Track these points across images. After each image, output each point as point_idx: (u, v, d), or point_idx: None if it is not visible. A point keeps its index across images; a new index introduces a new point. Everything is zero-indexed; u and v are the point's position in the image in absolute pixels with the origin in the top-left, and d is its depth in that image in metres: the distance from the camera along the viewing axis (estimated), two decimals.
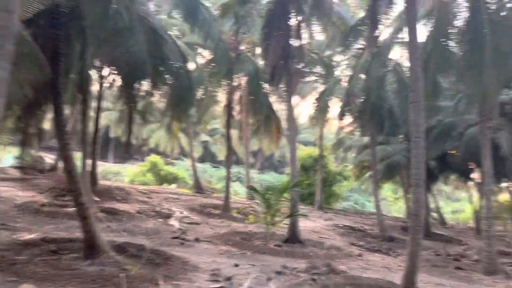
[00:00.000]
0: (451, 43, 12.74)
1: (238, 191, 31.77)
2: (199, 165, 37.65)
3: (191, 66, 18.96)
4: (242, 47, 18.88)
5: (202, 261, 9.48)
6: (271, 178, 37.94)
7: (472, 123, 16.75)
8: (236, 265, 9.50)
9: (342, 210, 29.32)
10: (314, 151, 29.71)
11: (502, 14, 12.70)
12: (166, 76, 9.36)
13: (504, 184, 20.17)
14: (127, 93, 8.80)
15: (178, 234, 12.29)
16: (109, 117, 34.61)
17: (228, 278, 7.75)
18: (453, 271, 12.49)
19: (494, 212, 18.19)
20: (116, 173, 32.99)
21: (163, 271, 8.07)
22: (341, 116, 20.15)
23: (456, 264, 13.53)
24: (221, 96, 21.13)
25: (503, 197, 25.69)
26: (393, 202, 37.28)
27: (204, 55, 21.68)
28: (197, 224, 15.12)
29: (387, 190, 35.76)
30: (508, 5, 12.91)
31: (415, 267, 7.87)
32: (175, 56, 9.19)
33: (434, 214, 30.43)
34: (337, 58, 24.22)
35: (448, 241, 19.24)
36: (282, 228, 13.92)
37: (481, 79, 12.01)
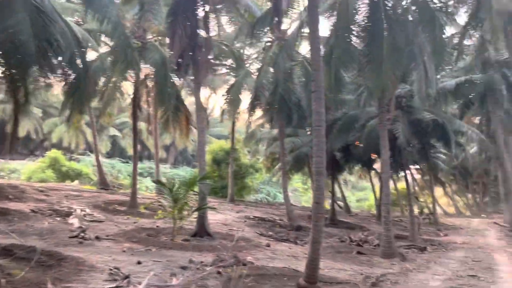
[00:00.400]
0: (353, 38, 13.25)
1: (150, 186, 30.79)
2: (106, 161, 35.87)
3: (92, 54, 17.86)
4: (149, 36, 18.15)
5: (101, 261, 8.87)
6: (184, 172, 37.25)
7: (372, 116, 17.64)
8: (139, 263, 9.04)
9: (254, 202, 29.65)
10: (226, 144, 29.68)
11: (398, 11, 13.46)
12: (58, 62, 8.53)
13: (401, 173, 21.52)
14: (11, 79, 7.89)
15: (77, 233, 11.43)
16: (3, 110, 31.71)
17: (126, 277, 7.29)
18: (356, 256, 13.08)
19: (392, 199, 19.44)
20: (12, 170, 30.23)
21: (54, 274, 7.39)
22: (251, 108, 20.24)
23: (358, 249, 14.18)
24: (128, 87, 20.18)
25: (401, 185, 27.52)
26: (303, 192, 38.51)
27: (109, 44, 20.51)
28: (100, 221, 14.26)
29: (298, 181, 36.89)
30: (403, 3, 13.72)
31: (317, 254, 7.99)
32: (67, 40, 8.41)
33: (340, 203, 31.95)
34: (248, 51, 24.35)
35: (352, 228, 20.22)
36: (191, 222, 13.63)
37: (379, 73, 12.63)
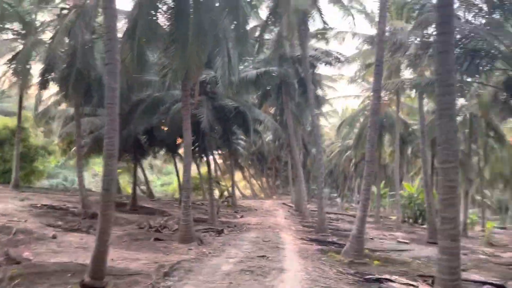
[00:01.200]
0: (159, 15, 12.57)
1: None
2: None
3: None
4: None
5: None
6: None
7: (178, 99, 17.32)
8: None
9: (46, 188, 26.56)
10: (12, 121, 25.66)
11: None
12: None
13: (204, 158, 21.86)
14: None
15: None
16: None
17: None
18: (153, 243, 12.56)
19: (195, 183, 19.55)
20: None
21: None
22: (43, 82, 17.77)
23: (156, 235, 13.71)
24: None
25: (204, 169, 28.19)
26: None
27: None
28: None
29: (100, 164, 34.60)
30: None
31: (105, 246, 7.19)
32: None
33: (143, 187, 31.16)
34: (43, 17, 21.37)
35: (153, 213, 19.69)
36: None
37: (184, 55, 12.28)
